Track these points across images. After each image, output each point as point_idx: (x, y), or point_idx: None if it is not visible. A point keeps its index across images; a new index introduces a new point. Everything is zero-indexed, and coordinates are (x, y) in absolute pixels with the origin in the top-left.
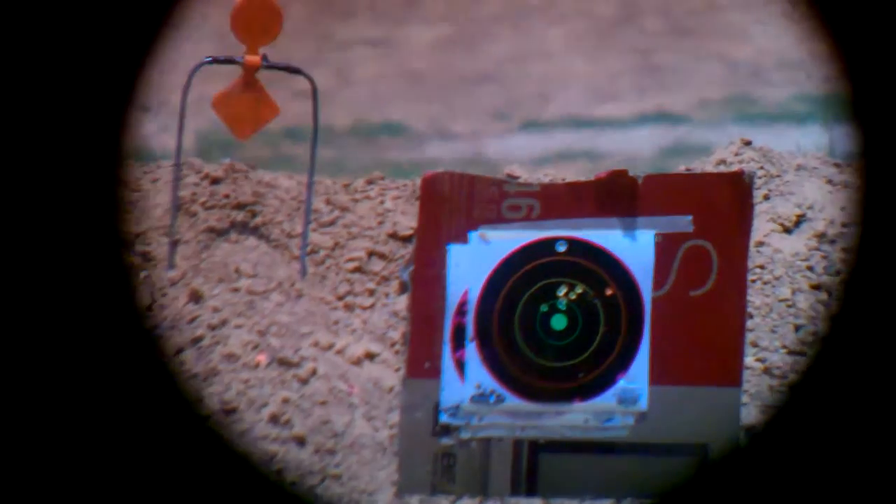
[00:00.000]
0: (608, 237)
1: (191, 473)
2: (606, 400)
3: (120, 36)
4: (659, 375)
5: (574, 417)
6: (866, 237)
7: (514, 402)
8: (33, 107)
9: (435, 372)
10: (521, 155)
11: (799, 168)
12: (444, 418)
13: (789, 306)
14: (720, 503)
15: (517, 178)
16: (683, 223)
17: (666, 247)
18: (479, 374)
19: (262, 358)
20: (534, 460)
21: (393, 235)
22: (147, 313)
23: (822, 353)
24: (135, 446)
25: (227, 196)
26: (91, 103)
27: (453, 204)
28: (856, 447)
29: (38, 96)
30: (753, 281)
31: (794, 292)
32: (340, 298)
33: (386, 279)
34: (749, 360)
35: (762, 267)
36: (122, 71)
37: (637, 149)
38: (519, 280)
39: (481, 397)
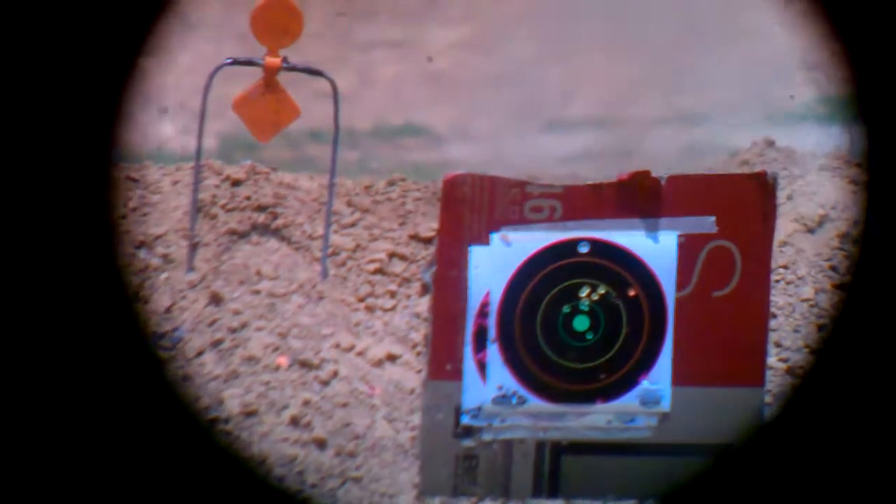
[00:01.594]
0: (631, 238)
1: (190, 479)
2: (629, 401)
3: (115, 32)
4: (682, 376)
5: (596, 419)
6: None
7: (536, 403)
8: (27, 105)
9: (456, 373)
10: (543, 156)
11: (822, 168)
12: (466, 420)
13: (812, 306)
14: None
15: (539, 179)
16: (706, 224)
17: (689, 247)
18: (500, 376)
19: (283, 360)
20: (556, 462)
21: (414, 237)
22: (141, 314)
23: (832, 349)
24: (132, 451)
25: (247, 198)
26: (85, 102)
27: (475, 205)
28: (865, 445)
29: (32, 94)
30: (777, 281)
31: (817, 292)
32: (361, 300)
33: (407, 281)
34: (772, 360)
35: (785, 267)
36: (116, 68)
37: (660, 149)
38: (541, 281)
39: (503, 399)
